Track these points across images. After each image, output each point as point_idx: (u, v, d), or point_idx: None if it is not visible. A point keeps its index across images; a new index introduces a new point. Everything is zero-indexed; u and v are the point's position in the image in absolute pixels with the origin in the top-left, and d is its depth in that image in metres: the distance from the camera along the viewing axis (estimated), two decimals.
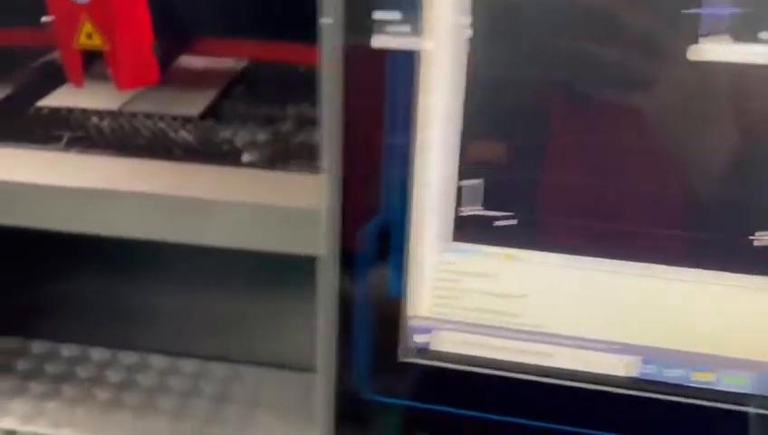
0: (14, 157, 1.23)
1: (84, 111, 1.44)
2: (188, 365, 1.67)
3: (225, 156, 1.29)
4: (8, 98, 1.55)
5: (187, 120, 1.43)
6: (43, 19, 1.30)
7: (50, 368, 1.62)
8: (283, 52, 1.52)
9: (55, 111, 1.45)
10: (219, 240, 1.12)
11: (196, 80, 1.52)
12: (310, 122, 1.43)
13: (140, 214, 1.12)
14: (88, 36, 1.27)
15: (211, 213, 1.10)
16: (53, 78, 1.65)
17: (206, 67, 1.61)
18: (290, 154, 1.30)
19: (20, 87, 1.60)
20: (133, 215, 1.11)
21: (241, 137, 1.35)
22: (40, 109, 1.46)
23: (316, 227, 0.98)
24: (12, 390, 1.58)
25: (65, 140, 1.31)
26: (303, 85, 1.55)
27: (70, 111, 1.44)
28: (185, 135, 1.36)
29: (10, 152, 1.24)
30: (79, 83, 1.33)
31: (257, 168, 1.22)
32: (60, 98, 1.50)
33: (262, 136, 1.36)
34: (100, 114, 1.44)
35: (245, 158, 1.24)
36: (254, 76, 1.63)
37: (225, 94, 1.54)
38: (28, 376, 1.59)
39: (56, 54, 1.84)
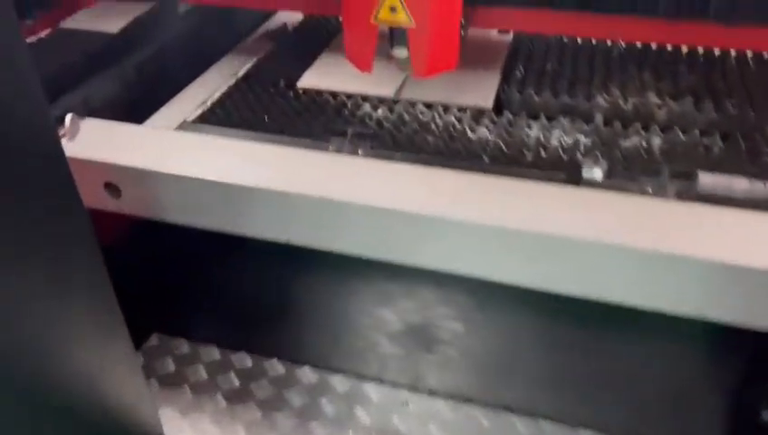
0: (306, 160, 1.04)
1: (360, 98, 1.22)
2: None
3: (557, 166, 1.02)
4: (252, 75, 1.36)
5: (479, 113, 1.18)
6: None
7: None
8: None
9: (321, 96, 1.24)
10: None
11: (466, 59, 1.26)
12: (627, 117, 1.14)
13: (493, 252, 0.91)
14: (391, 10, 1.03)
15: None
16: (294, 49, 1.46)
17: (472, 42, 1.35)
18: (634, 164, 1.01)
19: (259, 61, 1.40)
20: (481, 251, 0.91)
21: (558, 137, 1.09)
22: (302, 92, 1.26)
23: None
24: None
25: (349, 136, 1.10)
26: (610, 66, 1.26)
27: (337, 96, 1.24)
28: (486, 134, 1.12)
29: (297, 154, 1.05)
30: (367, 68, 1.11)
31: (615, 188, 0.95)
32: (320, 78, 1.29)
33: (584, 138, 1.09)
34: (374, 102, 1.22)
35: (593, 173, 0.99)
36: (528, 53, 1.36)
37: (506, 77, 1.29)
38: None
39: (280, 20, 1.60)
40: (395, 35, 1.09)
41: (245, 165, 1.02)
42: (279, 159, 1.04)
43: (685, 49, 1.30)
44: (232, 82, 1.33)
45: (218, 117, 1.20)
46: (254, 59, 1.42)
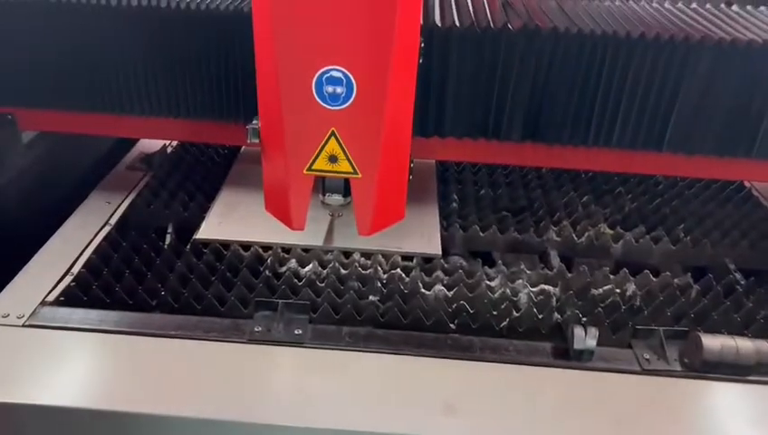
0: (217, 360, 0.79)
1: (281, 250, 0.98)
2: None
3: (538, 334, 0.86)
4: (129, 222, 1.08)
5: (427, 262, 0.99)
6: (252, 124, 0.84)
7: None
8: None
9: (228, 250, 0.97)
10: None
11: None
12: (583, 252, 1.03)
13: None
14: (330, 160, 0.82)
15: None
16: (179, 181, 1.18)
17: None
18: (620, 321, 0.87)
19: (136, 201, 1.10)
20: None
21: (524, 289, 0.92)
22: (202, 246, 0.99)
23: None
24: None
25: (279, 309, 0.86)
26: None
27: (249, 248, 0.98)
28: (443, 291, 0.93)
29: (204, 350, 0.79)
30: (299, 226, 0.88)
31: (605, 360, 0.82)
32: (224, 226, 1.02)
33: (552, 288, 0.93)
34: (299, 255, 0.98)
35: (585, 343, 0.82)
36: (456, 176, 1.23)
37: (443, 210, 1.12)
38: None
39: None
40: (328, 182, 0.89)
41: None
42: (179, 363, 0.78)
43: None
44: (102, 234, 1.03)
45: (87, 292, 0.90)
46: (129, 197, 1.13)
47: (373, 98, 0.77)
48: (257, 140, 0.85)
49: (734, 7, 1.09)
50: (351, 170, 0.82)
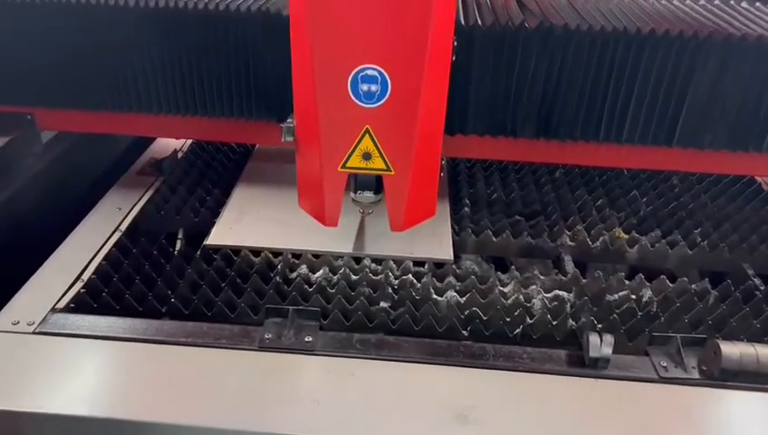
0: (230, 371, 0.78)
1: (291, 256, 0.97)
2: None
3: (552, 340, 0.85)
4: (140, 227, 1.07)
5: (439, 267, 0.97)
6: (287, 123, 0.84)
7: None
8: None
9: (238, 256, 0.97)
10: None
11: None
12: (598, 257, 1.02)
13: None
14: (364, 157, 0.81)
15: None
16: (190, 185, 1.18)
17: None
18: (635, 328, 0.86)
19: (147, 206, 1.11)
20: None
21: (537, 295, 0.91)
22: (212, 252, 0.98)
23: None
24: None
25: (290, 315, 0.85)
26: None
27: (260, 254, 0.97)
28: (455, 297, 0.91)
29: (216, 358, 0.79)
30: (332, 223, 0.88)
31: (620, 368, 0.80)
32: (234, 232, 1.02)
33: (566, 294, 0.92)
34: (309, 260, 0.97)
35: (600, 351, 0.81)
36: (468, 177, 1.22)
37: (456, 213, 1.11)
38: None
39: (168, 143, 1.33)
40: (360, 179, 0.88)
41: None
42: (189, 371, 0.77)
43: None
44: (113, 240, 1.02)
45: (97, 299, 0.89)
46: (140, 203, 1.13)
47: (407, 96, 0.77)
48: (291, 139, 0.84)
49: (744, 3, 1.07)
50: (385, 167, 0.82)
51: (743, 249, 1.04)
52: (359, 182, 0.88)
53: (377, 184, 0.89)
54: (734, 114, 0.95)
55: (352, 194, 0.90)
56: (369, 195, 0.88)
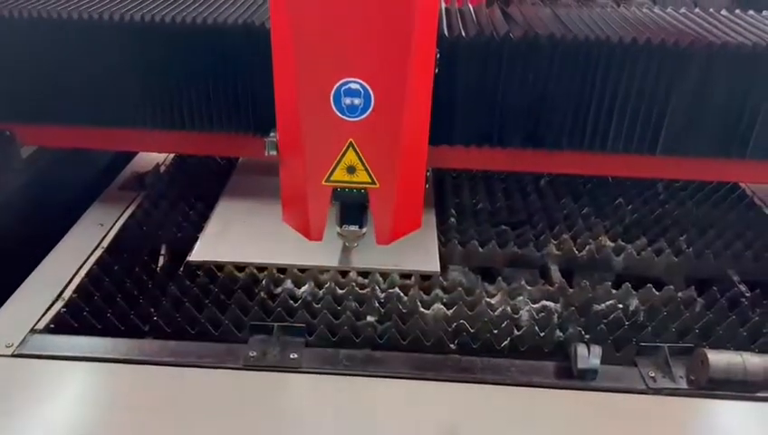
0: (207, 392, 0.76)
1: (276, 271, 0.96)
2: None
3: (540, 353, 0.85)
4: (121, 243, 1.05)
5: (425, 279, 0.97)
6: (270, 137, 0.84)
7: None
8: None
9: (222, 271, 0.96)
10: None
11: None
12: (584, 266, 1.02)
13: None
14: (349, 170, 0.81)
15: None
16: (173, 200, 1.15)
17: None
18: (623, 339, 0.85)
19: (128, 222, 1.08)
20: None
21: (524, 305, 0.91)
22: (195, 268, 0.96)
23: None
24: None
25: (274, 332, 0.84)
26: None
27: (244, 269, 0.96)
28: (442, 310, 0.91)
29: (194, 378, 0.77)
30: (317, 237, 0.87)
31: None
32: (218, 247, 1.00)
33: (553, 304, 0.92)
34: (295, 275, 0.96)
35: (589, 363, 0.81)
36: (453, 187, 1.22)
37: (442, 223, 1.11)
38: None
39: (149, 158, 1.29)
40: (346, 211, 0.88)
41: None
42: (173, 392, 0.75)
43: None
44: (94, 257, 1.01)
45: (77, 318, 0.88)
46: (121, 219, 1.11)
47: (391, 109, 0.76)
48: (275, 153, 0.84)
49: (724, 12, 1.08)
50: (369, 181, 0.81)
51: (728, 256, 1.04)
52: (344, 215, 0.88)
53: (361, 217, 0.89)
54: (717, 121, 0.95)
55: (338, 228, 0.89)
56: (354, 228, 0.88)
